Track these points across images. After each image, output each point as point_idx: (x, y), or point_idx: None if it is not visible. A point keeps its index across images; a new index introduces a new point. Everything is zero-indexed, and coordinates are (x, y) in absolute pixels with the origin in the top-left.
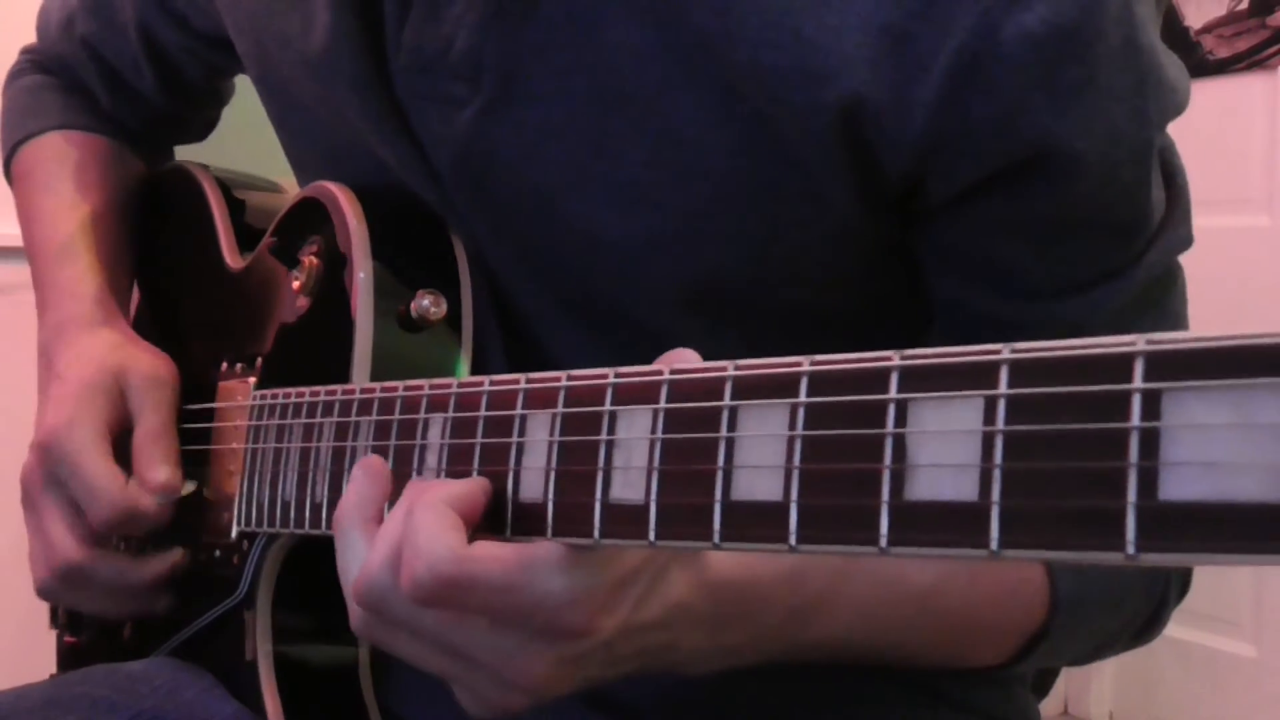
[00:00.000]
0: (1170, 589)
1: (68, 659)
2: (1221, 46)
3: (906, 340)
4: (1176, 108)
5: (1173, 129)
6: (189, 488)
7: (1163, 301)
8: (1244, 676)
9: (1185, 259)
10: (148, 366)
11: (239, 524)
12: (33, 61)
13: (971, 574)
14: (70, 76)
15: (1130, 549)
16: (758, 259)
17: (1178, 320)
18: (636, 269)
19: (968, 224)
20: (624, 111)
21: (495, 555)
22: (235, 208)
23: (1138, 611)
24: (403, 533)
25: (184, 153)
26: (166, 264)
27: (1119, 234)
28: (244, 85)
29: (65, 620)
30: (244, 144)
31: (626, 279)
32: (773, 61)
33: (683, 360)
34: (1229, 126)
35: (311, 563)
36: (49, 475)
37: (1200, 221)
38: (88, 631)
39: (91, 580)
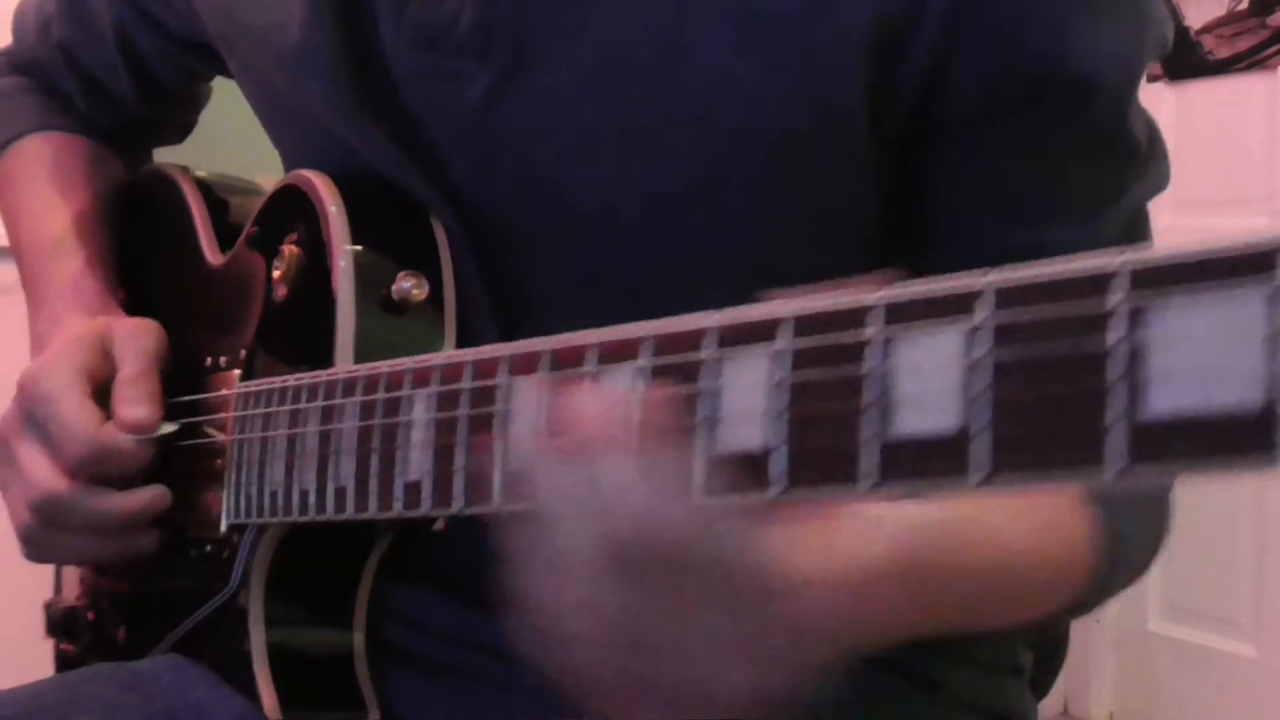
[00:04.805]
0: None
1: (64, 668)
2: (1221, 46)
3: None
4: (1164, 41)
5: (1173, 129)
6: (168, 428)
7: (1144, 237)
8: (1244, 676)
9: None
10: (134, 323)
11: (228, 517)
12: (8, 64)
13: (1049, 528)
14: (46, 80)
15: (1117, 467)
16: (773, 215)
17: None
18: (649, 230)
19: (977, 146)
20: (636, 68)
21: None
22: (215, 207)
23: (1150, 550)
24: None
25: (169, 154)
26: (148, 266)
27: (1116, 158)
28: (232, 86)
29: (61, 627)
30: (232, 145)
31: (637, 242)
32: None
33: None
34: (1229, 126)
35: (303, 552)
36: (26, 417)
37: (1200, 221)
38: (83, 638)
39: (71, 513)
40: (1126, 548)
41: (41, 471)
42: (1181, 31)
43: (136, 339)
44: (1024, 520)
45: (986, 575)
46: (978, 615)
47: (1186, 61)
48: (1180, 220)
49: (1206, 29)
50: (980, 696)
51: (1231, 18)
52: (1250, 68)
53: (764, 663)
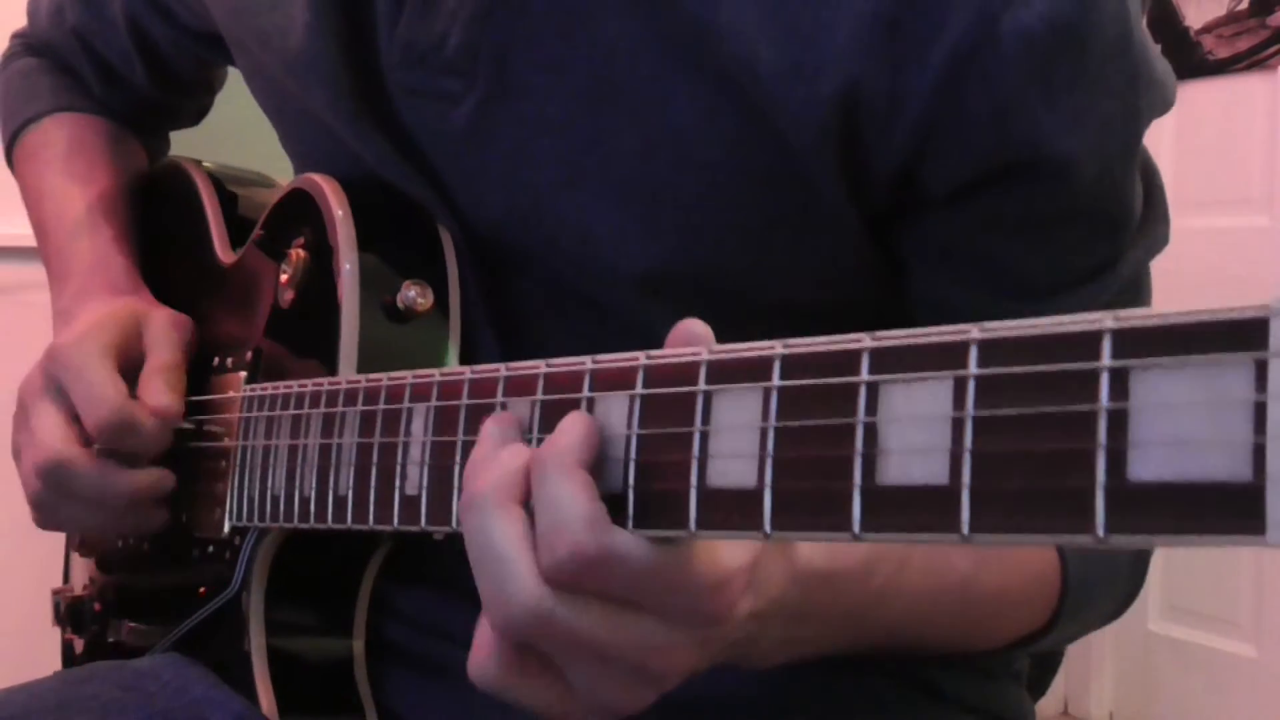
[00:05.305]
0: (1148, 564)
1: (70, 658)
2: (1221, 46)
3: None
4: (1165, 103)
5: (1173, 129)
6: (187, 425)
7: (1141, 301)
8: (1244, 676)
9: (1186, 259)
10: (169, 313)
11: (231, 519)
12: (25, 45)
13: (1003, 560)
14: (62, 62)
15: (1100, 531)
16: (753, 250)
17: None
18: (631, 261)
19: (963, 220)
20: (619, 103)
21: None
22: (228, 202)
23: (1125, 590)
24: (538, 501)
25: (185, 146)
26: (160, 261)
27: (1108, 228)
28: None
29: (68, 616)
30: (244, 140)
31: (620, 271)
32: (769, 57)
33: (692, 333)
34: (1229, 126)
35: (304, 556)
36: (50, 382)
37: (1200, 221)
38: (88, 629)
39: (75, 481)
40: (1093, 592)
41: (55, 435)
42: (1181, 31)
43: (172, 330)
44: (975, 553)
45: (916, 596)
46: (905, 635)
47: (1186, 61)
48: (1180, 220)
49: (1206, 29)
50: (980, 701)
51: (1231, 18)
52: (1250, 68)
53: (692, 649)
